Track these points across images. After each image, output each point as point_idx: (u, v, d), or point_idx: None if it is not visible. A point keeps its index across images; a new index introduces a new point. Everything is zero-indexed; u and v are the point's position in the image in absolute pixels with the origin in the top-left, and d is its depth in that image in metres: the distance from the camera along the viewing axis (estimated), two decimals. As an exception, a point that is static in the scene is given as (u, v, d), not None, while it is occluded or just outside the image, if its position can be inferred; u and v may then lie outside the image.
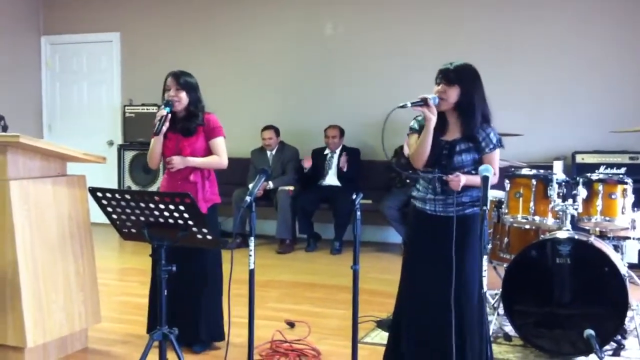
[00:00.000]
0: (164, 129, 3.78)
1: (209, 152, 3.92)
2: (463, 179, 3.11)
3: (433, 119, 3.10)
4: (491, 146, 3.17)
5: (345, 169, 7.09)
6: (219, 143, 3.92)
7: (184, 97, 3.83)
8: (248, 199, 3.04)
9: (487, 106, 3.21)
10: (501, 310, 3.98)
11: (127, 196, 2.93)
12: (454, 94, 3.12)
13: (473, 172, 3.17)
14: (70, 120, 8.87)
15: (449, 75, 3.12)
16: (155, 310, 3.89)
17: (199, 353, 3.86)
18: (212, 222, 3.88)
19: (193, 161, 3.85)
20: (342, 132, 7.20)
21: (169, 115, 3.78)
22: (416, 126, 3.28)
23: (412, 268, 3.33)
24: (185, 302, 3.81)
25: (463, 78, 3.12)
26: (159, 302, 3.03)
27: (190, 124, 3.87)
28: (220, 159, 3.91)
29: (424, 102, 3.08)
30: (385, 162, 6.50)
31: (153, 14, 8.39)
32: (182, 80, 3.84)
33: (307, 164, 7.20)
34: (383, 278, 5.49)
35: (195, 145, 3.87)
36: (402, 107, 3.08)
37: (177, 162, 3.82)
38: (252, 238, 3.08)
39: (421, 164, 3.21)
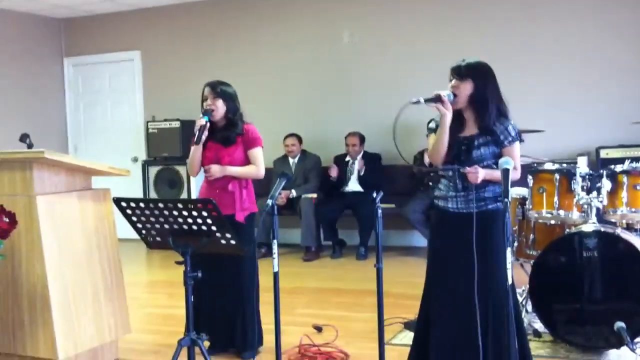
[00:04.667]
0: (204, 137, 3.82)
1: (247, 162, 3.94)
2: (482, 172, 3.09)
3: (448, 115, 3.12)
4: (510, 139, 3.16)
5: (362, 173, 7.09)
6: (257, 153, 3.96)
7: (220, 105, 3.85)
8: (269, 202, 3.06)
9: (503, 102, 3.21)
10: (529, 307, 3.94)
11: (151, 204, 2.97)
12: (467, 88, 3.14)
13: (494, 166, 3.15)
14: (95, 140, 9.01)
15: (460, 71, 3.16)
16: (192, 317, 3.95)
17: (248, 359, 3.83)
18: (249, 231, 3.90)
19: (231, 170, 3.87)
20: (362, 139, 7.20)
21: (208, 124, 3.81)
22: (434, 126, 3.28)
23: (438, 268, 3.30)
24: (225, 310, 3.84)
25: (474, 73, 3.15)
26: (186, 308, 3.05)
27: (230, 134, 3.90)
28: (257, 169, 3.94)
29: (437, 98, 3.10)
30: (407, 166, 6.47)
31: (171, 31, 8.50)
32: (219, 89, 3.88)
33: (334, 173, 7.17)
34: (409, 281, 5.42)
35: (234, 155, 3.90)
36: (416, 103, 3.11)
37: (216, 170, 3.85)
38: (275, 241, 3.10)
39: (439, 161, 3.21)
